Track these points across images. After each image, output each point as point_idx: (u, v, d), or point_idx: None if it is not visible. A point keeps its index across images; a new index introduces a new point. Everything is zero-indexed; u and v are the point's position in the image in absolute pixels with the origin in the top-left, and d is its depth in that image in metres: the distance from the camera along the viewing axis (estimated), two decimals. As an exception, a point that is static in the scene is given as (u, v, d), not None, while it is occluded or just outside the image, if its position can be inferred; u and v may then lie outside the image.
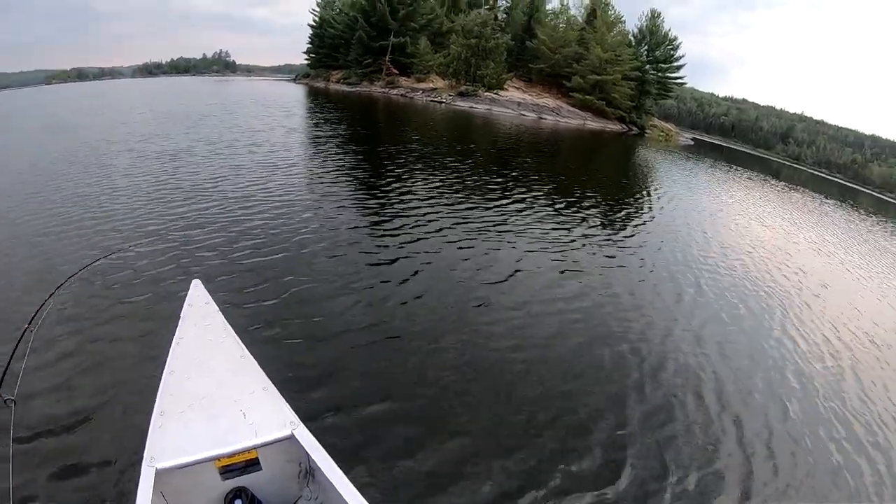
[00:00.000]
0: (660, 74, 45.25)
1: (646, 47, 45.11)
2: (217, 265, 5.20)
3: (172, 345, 2.51)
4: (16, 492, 2.41)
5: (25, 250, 5.39)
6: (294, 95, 33.06)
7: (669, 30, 44.78)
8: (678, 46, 45.45)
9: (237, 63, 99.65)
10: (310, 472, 2.13)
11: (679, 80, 46.85)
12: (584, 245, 7.75)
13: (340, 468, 1.91)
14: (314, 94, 34.67)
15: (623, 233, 8.99)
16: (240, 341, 2.57)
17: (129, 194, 7.48)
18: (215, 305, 2.85)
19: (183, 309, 2.79)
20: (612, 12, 44.09)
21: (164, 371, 2.34)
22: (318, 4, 46.06)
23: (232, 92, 34.17)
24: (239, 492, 2.04)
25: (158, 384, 2.26)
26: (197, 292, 2.96)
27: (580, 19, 43.91)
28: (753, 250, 9.74)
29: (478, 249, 6.71)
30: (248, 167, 9.63)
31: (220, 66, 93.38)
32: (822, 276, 9.28)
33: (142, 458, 1.89)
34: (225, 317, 2.76)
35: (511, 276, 6.02)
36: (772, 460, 3.65)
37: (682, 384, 4.33)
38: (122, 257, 5.13)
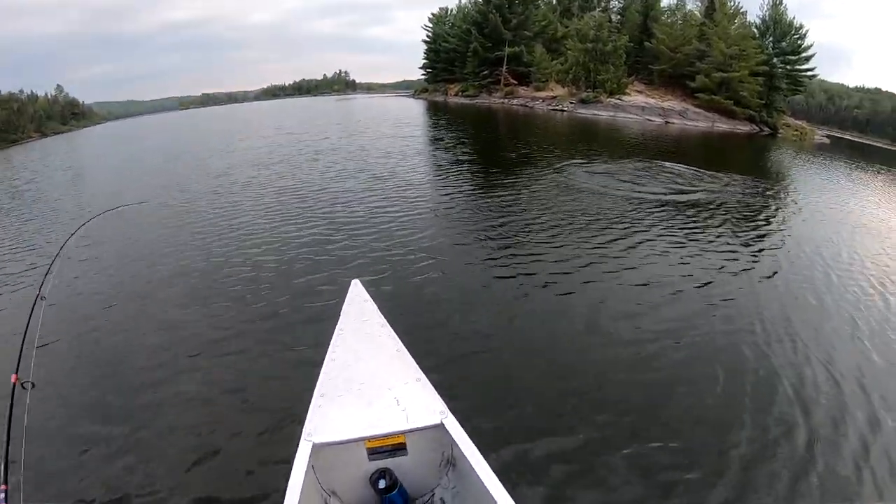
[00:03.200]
0: (788, 67, 41.82)
1: (770, 38, 41.88)
2: (371, 269, 5.99)
3: (334, 336, 2.74)
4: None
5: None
6: (416, 111, 34.31)
7: (794, 17, 41.33)
8: (805, 35, 41.78)
9: (357, 82, 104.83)
10: (452, 461, 2.21)
11: (809, 73, 43.06)
12: (726, 260, 7.16)
13: (487, 462, 1.92)
14: (435, 109, 35.87)
15: (761, 249, 7.98)
16: (396, 336, 2.73)
17: (291, 208, 9.01)
18: (373, 303, 3.05)
19: (344, 305, 3.03)
20: (732, 3, 41.54)
21: (326, 358, 2.55)
22: (430, 20, 47.43)
23: (356, 110, 35.90)
24: (383, 473, 2.14)
25: (319, 370, 2.46)
26: (356, 290, 3.18)
27: (698, 14, 41.77)
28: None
29: (611, 259, 6.76)
30: (387, 188, 10.50)
31: (341, 85, 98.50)
32: None
33: (300, 433, 2.09)
34: (382, 314, 2.96)
35: (646, 288, 5.90)
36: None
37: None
38: (285, 260, 6.37)
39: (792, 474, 3.22)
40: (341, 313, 2.97)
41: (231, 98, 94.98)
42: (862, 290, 6.54)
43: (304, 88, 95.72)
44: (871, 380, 4.35)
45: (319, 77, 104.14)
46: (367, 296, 3.13)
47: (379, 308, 3.01)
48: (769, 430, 3.60)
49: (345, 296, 3.14)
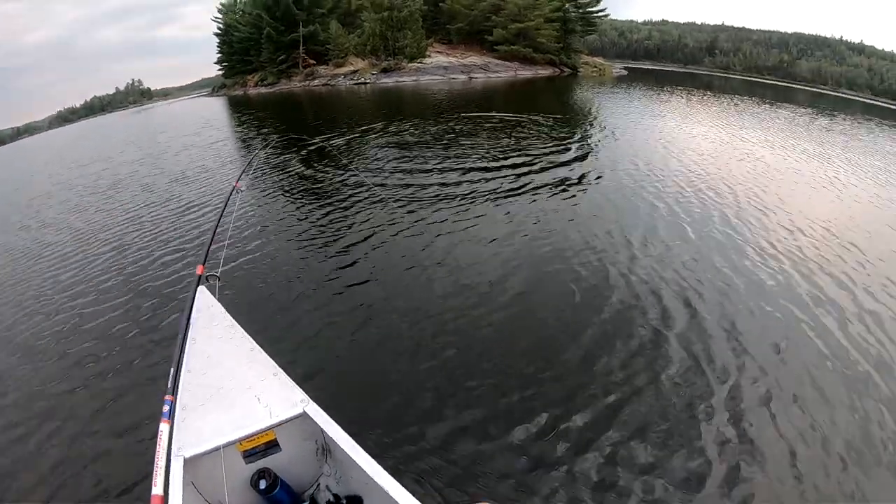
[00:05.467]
0: (581, 11, 44.82)
1: (561, -14, 44.46)
2: (215, 274, 5.56)
3: (186, 345, 2.63)
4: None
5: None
6: (215, 111, 30.79)
7: (580, -36, 44.16)
8: (592, -20, 45.02)
9: (152, 89, 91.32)
10: (326, 448, 2.20)
11: (601, 13, 46.60)
12: (534, 193, 7.74)
13: (356, 441, 1.95)
14: (236, 105, 32.28)
15: (571, 174, 8.89)
16: (247, 335, 2.68)
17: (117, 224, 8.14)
18: (221, 306, 2.97)
19: (192, 313, 2.90)
20: (520, -44, 43.16)
21: (182, 371, 2.44)
22: (219, 10, 43.29)
23: (154, 123, 31.45)
24: (263, 473, 2.10)
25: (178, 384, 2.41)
26: (202, 297, 3.07)
27: (489, -30, 42.82)
28: (703, 163, 9.72)
29: (432, 214, 6.99)
30: (207, 200, 9.28)
31: (136, 95, 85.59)
32: (777, 174, 9.36)
33: (170, 451, 1.97)
34: (231, 315, 2.89)
35: (465, 233, 6.27)
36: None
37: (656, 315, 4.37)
38: (121, 278, 5.91)
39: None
40: (190, 322, 2.81)
41: (20, 132, 79.20)
42: (680, 186, 8.16)
43: (97, 107, 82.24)
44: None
45: (112, 91, 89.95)
46: (214, 300, 3.02)
47: (227, 310, 2.91)
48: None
49: (192, 305, 2.96)
